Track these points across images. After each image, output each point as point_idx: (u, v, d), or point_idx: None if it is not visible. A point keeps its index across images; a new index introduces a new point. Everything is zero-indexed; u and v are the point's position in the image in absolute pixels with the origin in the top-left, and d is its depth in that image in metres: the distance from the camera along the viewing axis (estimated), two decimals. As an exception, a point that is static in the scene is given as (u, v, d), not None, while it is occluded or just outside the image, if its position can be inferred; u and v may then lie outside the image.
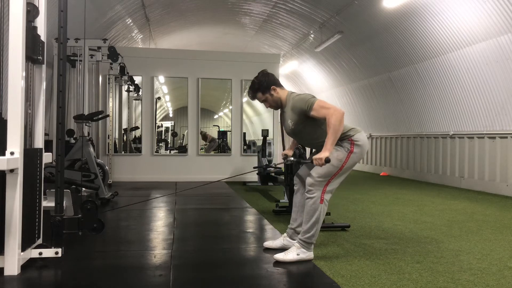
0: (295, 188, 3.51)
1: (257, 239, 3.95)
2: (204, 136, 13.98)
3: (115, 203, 5.76)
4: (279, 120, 4.11)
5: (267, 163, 8.32)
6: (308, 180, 3.15)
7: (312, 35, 11.78)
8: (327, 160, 2.97)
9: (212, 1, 10.88)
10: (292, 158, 3.52)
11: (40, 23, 3.05)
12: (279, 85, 3.34)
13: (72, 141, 6.26)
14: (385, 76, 10.51)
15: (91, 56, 7.03)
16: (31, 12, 2.91)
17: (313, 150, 3.57)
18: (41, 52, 3.03)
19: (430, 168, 9.49)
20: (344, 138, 3.20)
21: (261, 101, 3.40)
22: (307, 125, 3.22)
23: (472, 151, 8.13)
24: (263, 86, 3.31)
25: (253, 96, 3.40)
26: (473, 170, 8.11)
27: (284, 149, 4.75)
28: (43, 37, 3.05)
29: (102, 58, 7.10)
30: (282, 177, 5.86)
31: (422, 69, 9.07)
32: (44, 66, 3.13)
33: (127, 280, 2.75)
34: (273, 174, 6.96)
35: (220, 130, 15.49)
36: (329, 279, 2.77)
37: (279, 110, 3.46)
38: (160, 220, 4.78)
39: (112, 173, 8.35)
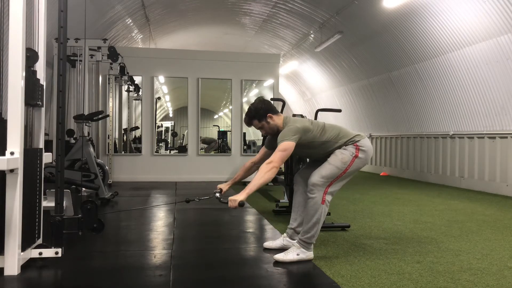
0: (295, 188, 3.52)
1: (257, 239, 3.95)
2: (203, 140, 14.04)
3: (115, 203, 5.76)
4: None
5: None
6: (311, 180, 3.16)
7: (312, 35, 11.78)
8: (241, 204, 2.94)
9: (212, 1, 10.88)
10: (217, 195, 3.34)
11: (40, 67, 3.06)
12: (275, 112, 3.34)
13: (72, 141, 6.26)
14: (385, 76, 10.51)
15: (91, 56, 7.02)
16: (31, 57, 2.93)
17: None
18: (40, 96, 3.04)
19: (430, 168, 9.49)
20: (350, 143, 3.23)
21: (257, 128, 3.38)
22: (304, 147, 3.24)
23: (472, 151, 8.13)
24: (260, 113, 3.31)
25: (249, 123, 3.41)
26: (473, 170, 8.10)
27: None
28: (42, 80, 3.06)
29: (102, 58, 7.09)
30: (282, 177, 5.86)
31: (422, 69, 9.06)
32: (43, 109, 3.14)
33: (127, 280, 2.75)
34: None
35: (220, 130, 15.48)
36: (329, 279, 2.76)
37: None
38: (160, 220, 4.77)
39: (112, 173, 8.35)
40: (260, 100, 3.39)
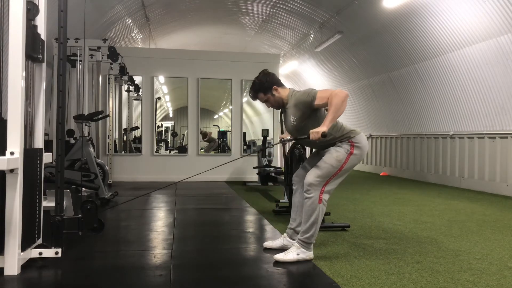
0: (294, 188, 3.51)
1: (257, 239, 3.95)
2: (204, 135, 14.03)
3: (115, 203, 5.76)
4: (279, 120, 4.08)
5: (267, 163, 8.32)
6: (307, 180, 3.15)
7: (312, 35, 11.78)
8: (324, 135, 2.96)
9: (212, 1, 10.88)
10: (289, 137, 3.41)
11: (40, 21, 3.05)
12: (281, 85, 3.32)
13: (72, 141, 6.26)
14: (385, 76, 10.51)
15: (91, 56, 7.03)
16: (31, 10, 2.91)
17: (313, 150, 3.57)
18: (41, 50, 3.03)
19: (430, 168, 9.49)
20: (344, 140, 3.20)
21: (263, 102, 3.37)
22: (309, 123, 3.17)
23: (472, 151, 8.13)
24: (264, 86, 3.29)
25: (254, 97, 3.38)
26: (473, 170, 8.10)
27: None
28: (43, 36, 3.05)
29: (102, 58, 7.09)
30: (282, 177, 5.86)
31: (422, 69, 9.07)
32: (44, 65, 3.13)
33: (127, 280, 2.75)
34: (273, 174, 6.96)
35: (220, 130, 15.50)
36: (329, 279, 2.76)
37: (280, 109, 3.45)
38: (160, 220, 4.78)
39: (112, 173, 8.35)
40: (265, 73, 3.35)
